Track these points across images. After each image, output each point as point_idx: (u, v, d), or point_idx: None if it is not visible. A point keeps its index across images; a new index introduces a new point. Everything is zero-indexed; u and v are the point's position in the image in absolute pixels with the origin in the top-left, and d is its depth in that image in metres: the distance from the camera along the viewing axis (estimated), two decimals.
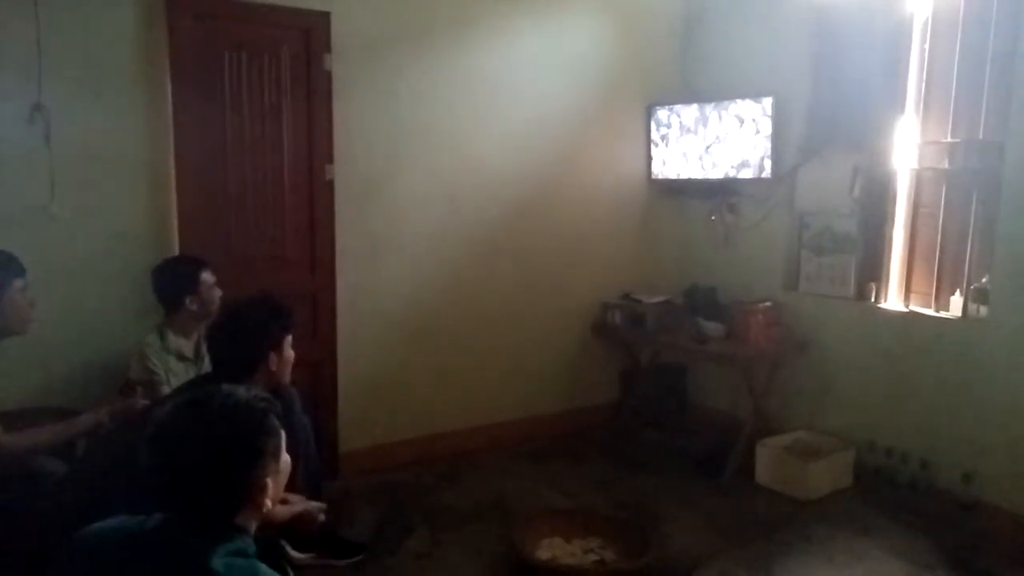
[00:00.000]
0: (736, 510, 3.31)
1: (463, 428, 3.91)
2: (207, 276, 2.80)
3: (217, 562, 1.13)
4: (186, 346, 2.77)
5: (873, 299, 3.63)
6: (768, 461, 3.52)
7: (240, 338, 2.06)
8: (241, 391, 1.30)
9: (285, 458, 1.33)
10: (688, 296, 4.19)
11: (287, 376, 2.21)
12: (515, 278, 4.02)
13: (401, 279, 3.68)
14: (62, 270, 2.77)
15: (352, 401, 3.56)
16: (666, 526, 3.14)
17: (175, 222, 3.04)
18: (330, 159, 3.35)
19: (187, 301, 2.75)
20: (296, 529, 2.16)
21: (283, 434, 1.31)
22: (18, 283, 2.14)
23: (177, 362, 2.71)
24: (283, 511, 2.03)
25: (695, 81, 4.32)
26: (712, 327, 3.84)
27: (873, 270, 3.67)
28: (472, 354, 3.94)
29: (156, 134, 3.00)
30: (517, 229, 3.98)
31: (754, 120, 3.86)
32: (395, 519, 3.16)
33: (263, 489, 1.23)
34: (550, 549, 2.83)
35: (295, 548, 2.69)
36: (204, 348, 2.69)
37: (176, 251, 3.01)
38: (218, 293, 2.82)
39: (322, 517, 2.16)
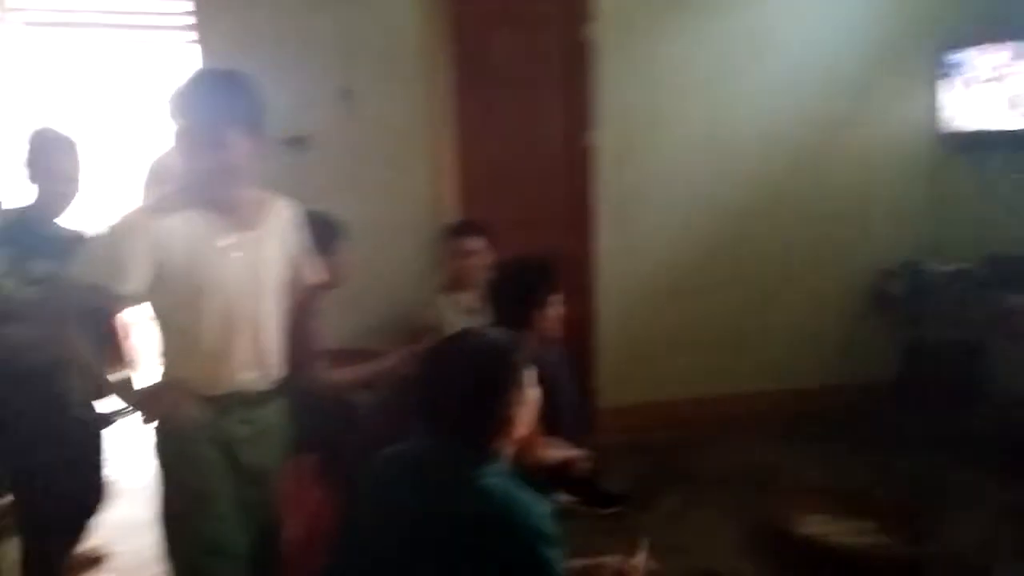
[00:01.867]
0: None
1: (721, 394, 3.84)
2: (471, 242, 3.05)
3: (485, 481, 1.28)
4: (469, 299, 3.05)
5: None
6: None
7: (512, 295, 2.25)
8: (491, 332, 1.47)
9: (533, 392, 1.45)
10: (990, 265, 3.66)
11: (553, 332, 2.36)
12: (780, 240, 3.83)
13: (659, 240, 3.70)
14: (365, 231, 3.19)
15: (610, 360, 3.67)
16: (954, 517, 2.83)
17: (456, 190, 3.35)
18: (591, 125, 3.44)
19: (454, 264, 3.05)
20: (562, 474, 2.32)
21: (527, 371, 1.43)
22: (343, 244, 2.52)
23: (462, 314, 3.00)
24: (552, 455, 2.20)
25: (1005, 16, 3.70)
26: (1021, 301, 3.33)
27: None
28: (733, 318, 3.84)
29: (439, 112, 3.33)
30: (782, 188, 3.78)
31: None
32: (650, 478, 3.23)
33: (511, 418, 1.37)
34: (817, 525, 2.70)
35: (560, 491, 2.87)
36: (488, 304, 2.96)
37: (456, 217, 3.32)
38: (482, 258, 3.05)
39: (586, 465, 2.30)
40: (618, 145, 3.54)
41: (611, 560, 1.63)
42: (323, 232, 2.51)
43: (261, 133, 1.72)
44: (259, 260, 1.78)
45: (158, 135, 3.13)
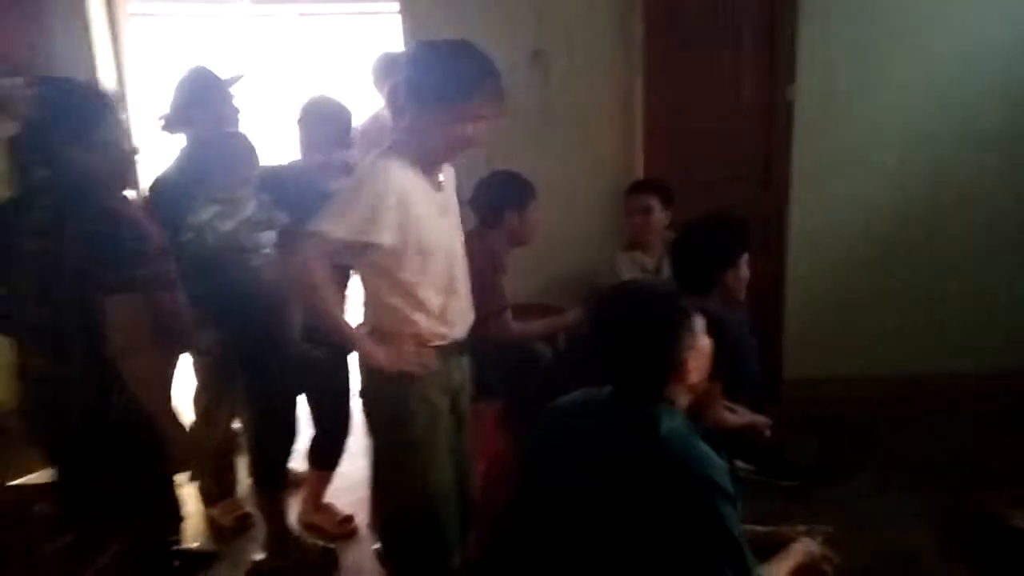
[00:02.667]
0: None
1: (924, 371, 3.52)
2: (647, 200, 3.01)
3: (662, 428, 1.29)
4: (648, 261, 3.04)
5: None
6: None
7: (700, 253, 2.19)
8: (650, 280, 1.45)
9: (704, 339, 1.42)
10: None
11: (742, 294, 2.29)
12: (988, 210, 3.43)
13: (862, 204, 3.43)
14: (551, 191, 3.26)
15: (799, 328, 3.50)
16: None
17: (641, 149, 3.32)
18: (791, 79, 3.24)
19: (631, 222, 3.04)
20: (741, 439, 2.28)
21: (696, 316, 1.40)
22: (533, 203, 2.61)
23: (639, 272, 3.00)
24: (732, 419, 2.16)
25: None
26: None
27: None
28: (943, 289, 3.51)
29: (628, 71, 3.30)
30: (997, 151, 3.37)
31: None
32: (839, 454, 3.06)
33: (684, 362, 1.36)
34: None
35: (740, 458, 2.82)
36: (664, 263, 2.93)
37: (641, 174, 3.29)
38: (658, 216, 3.00)
39: (768, 432, 2.24)
40: (819, 102, 3.29)
41: (796, 531, 1.55)
42: (514, 192, 2.61)
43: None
44: (454, 220, 1.92)
45: (363, 102, 3.38)
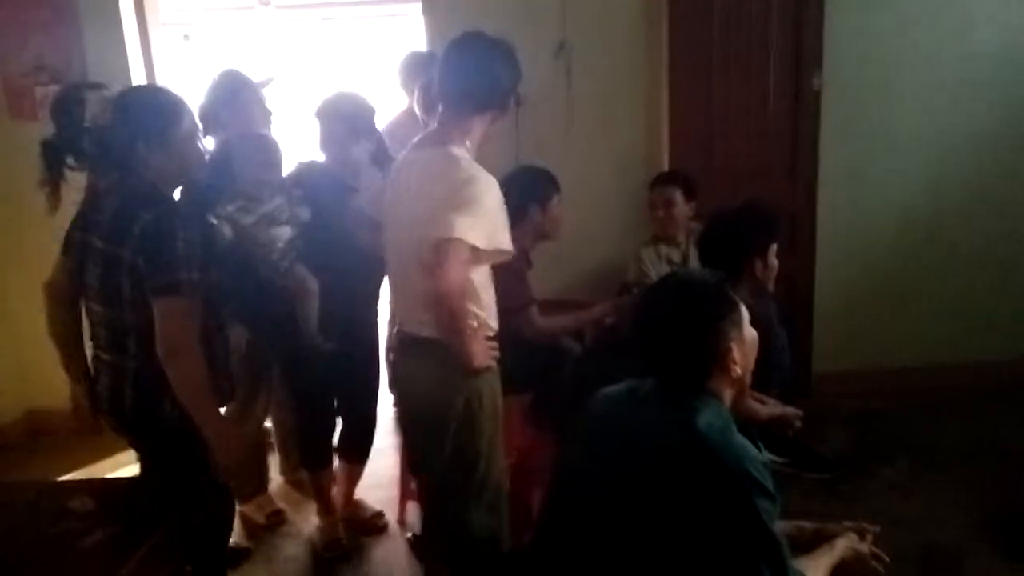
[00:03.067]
0: None
1: (953, 362, 3.48)
2: (670, 193, 2.96)
3: (701, 421, 1.27)
4: (675, 253, 3.02)
5: None
6: None
7: (729, 242, 2.17)
8: (696, 270, 1.43)
9: (750, 331, 1.40)
10: None
11: (771, 284, 2.27)
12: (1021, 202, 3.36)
13: (891, 196, 3.39)
14: (575, 186, 3.26)
15: (829, 321, 3.46)
16: None
17: (666, 143, 3.30)
18: (819, 67, 3.20)
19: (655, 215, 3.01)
20: (771, 431, 2.26)
21: (742, 307, 1.38)
22: (556, 197, 2.61)
23: (667, 268, 2.99)
24: (762, 410, 2.14)
25: None
26: None
27: None
28: (972, 282, 3.46)
29: (652, 64, 3.29)
30: None
31: None
32: (870, 446, 3.03)
33: (728, 353, 1.33)
34: None
35: (770, 450, 2.79)
36: (692, 255, 2.91)
37: (666, 167, 3.27)
38: (682, 209, 2.97)
39: (798, 424, 2.21)
40: (848, 92, 3.26)
41: (844, 527, 1.51)
42: (537, 186, 2.62)
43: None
44: None
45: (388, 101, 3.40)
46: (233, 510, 2.11)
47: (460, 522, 1.91)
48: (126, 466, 3.31)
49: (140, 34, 3.49)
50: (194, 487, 1.81)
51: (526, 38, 3.14)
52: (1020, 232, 3.42)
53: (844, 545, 1.45)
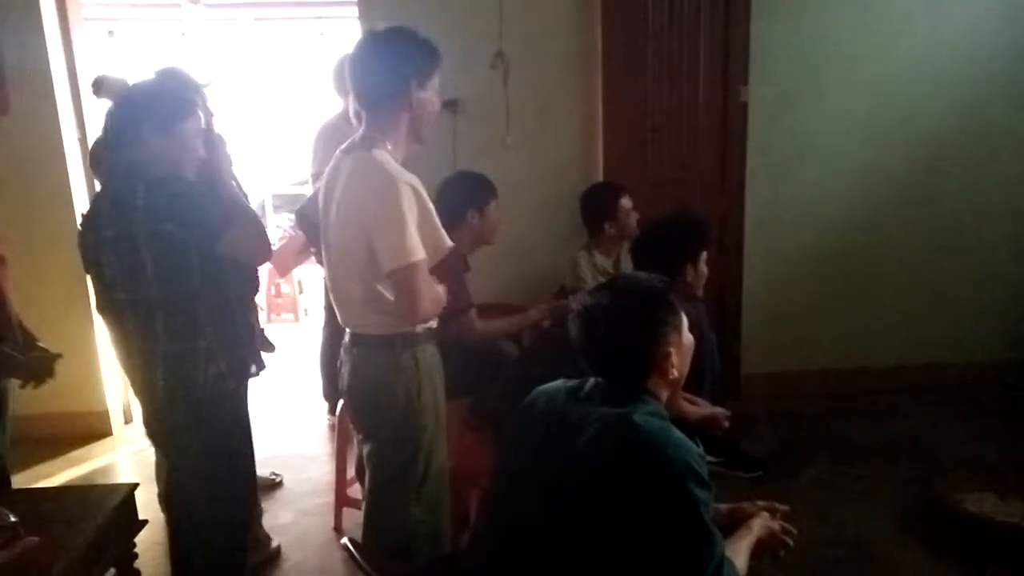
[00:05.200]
0: None
1: (876, 365, 3.67)
2: (625, 202, 3.04)
3: (638, 418, 1.31)
4: (607, 263, 3.09)
5: None
6: None
7: (662, 249, 2.24)
8: (642, 275, 1.47)
9: (688, 336, 1.45)
10: None
11: (700, 290, 2.35)
12: (937, 209, 3.57)
13: (815, 201, 3.55)
14: (512, 192, 3.29)
15: (756, 324, 3.59)
16: None
17: (600, 151, 3.38)
18: (745, 80, 3.33)
19: (607, 226, 3.03)
20: (702, 431, 2.33)
21: (682, 314, 1.43)
22: (494, 203, 2.63)
23: (600, 276, 3.05)
24: (693, 410, 2.21)
25: None
26: None
27: None
28: (892, 286, 3.64)
29: (587, 73, 3.36)
30: (945, 153, 3.51)
31: None
32: (796, 445, 3.15)
33: (667, 357, 1.38)
34: (980, 504, 2.54)
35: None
36: (622, 265, 2.99)
37: (600, 178, 3.34)
38: (635, 217, 3.05)
39: (726, 424, 2.29)
40: (772, 103, 3.40)
41: (756, 506, 1.59)
42: (475, 191, 2.64)
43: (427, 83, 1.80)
44: None
45: (323, 104, 3.38)
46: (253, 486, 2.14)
47: (399, 518, 1.91)
48: (46, 477, 3.18)
49: (61, 30, 3.36)
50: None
51: (464, 47, 3.19)
52: (939, 236, 3.60)
53: (759, 524, 1.51)
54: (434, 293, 1.80)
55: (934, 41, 3.42)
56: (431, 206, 1.80)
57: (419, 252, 1.71)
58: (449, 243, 1.84)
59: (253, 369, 2.02)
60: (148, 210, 1.72)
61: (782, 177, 3.50)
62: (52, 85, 3.28)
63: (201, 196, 1.81)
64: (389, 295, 1.77)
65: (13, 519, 1.60)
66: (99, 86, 1.89)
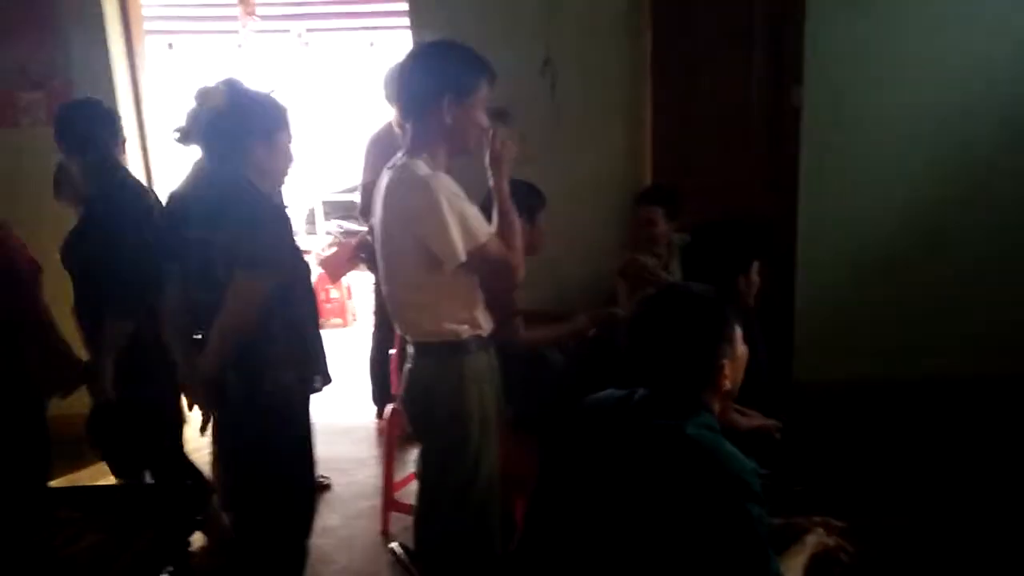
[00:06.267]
0: None
1: (933, 373, 3.52)
2: (650, 211, 2.99)
3: (690, 430, 1.29)
4: (656, 266, 3.05)
5: None
6: None
7: (714, 258, 2.21)
8: (698, 286, 1.45)
9: (742, 348, 1.42)
10: None
11: (751, 299, 2.31)
12: (1013, 207, 3.43)
13: (870, 206, 3.46)
14: (560, 199, 3.28)
15: (809, 333, 3.51)
16: None
17: (649, 157, 3.35)
18: (799, 80, 3.27)
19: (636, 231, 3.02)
20: (752, 443, 2.29)
21: (737, 326, 1.40)
22: (542, 212, 2.54)
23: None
24: (744, 422, 2.17)
25: None
26: None
27: None
28: (950, 297, 3.52)
29: (636, 79, 3.34)
30: (1004, 159, 3.39)
31: None
32: (850, 458, 3.07)
33: (721, 370, 1.36)
34: None
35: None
36: (673, 266, 2.96)
37: (648, 181, 3.32)
38: (663, 226, 2.99)
39: (777, 435, 2.24)
40: (827, 106, 3.33)
41: (811, 521, 1.55)
42: (525, 201, 2.63)
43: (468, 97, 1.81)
44: None
45: (373, 113, 3.44)
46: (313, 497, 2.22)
47: (446, 523, 1.93)
48: (104, 476, 3.28)
49: (125, 41, 3.49)
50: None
51: (512, 55, 3.20)
52: (997, 244, 3.49)
53: (813, 542, 1.48)
54: (516, 252, 1.83)
55: (993, 41, 3.31)
56: (463, 196, 1.79)
57: (484, 230, 1.77)
58: (490, 229, 1.82)
59: (319, 382, 2.07)
60: (230, 219, 1.81)
61: (836, 181, 3.42)
62: (115, 94, 3.41)
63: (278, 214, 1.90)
64: (447, 296, 1.82)
65: (78, 515, 1.67)
66: (204, 97, 1.98)
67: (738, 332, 1.41)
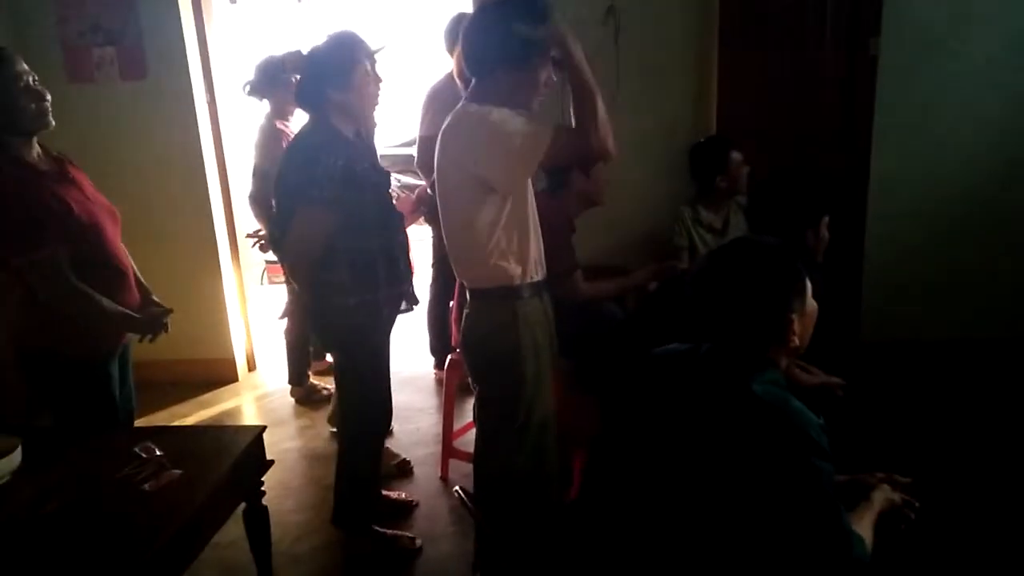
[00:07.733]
0: None
1: (1004, 335, 3.39)
2: (736, 156, 2.93)
3: (757, 387, 1.27)
4: (715, 220, 3.00)
5: None
6: None
7: (782, 211, 2.14)
8: (768, 238, 1.40)
9: (811, 303, 1.37)
10: None
11: (820, 255, 2.24)
12: None
13: (946, 161, 3.31)
14: (622, 150, 3.23)
15: (878, 293, 3.40)
16: None
17: (714, 108, 3.25)
18: (877, 31, 3.10)
19: (717, 179, 2.94)
20: (815, 399, 2.25)
21: (807, 280, 1.35)
22: (599, 164, 2.53)
23: (706, 233, 2.97)
24: (807, 378, 2.13)
25: None
26: None
27: None
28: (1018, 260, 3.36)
29: (702, 27, 3.24)
30: None
31: None
32: (915, 417, 2.99)
33: (790, 324, 1.31)
34: None
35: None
36: (731, 224, 2.90)
37: (713, 132, 3.23)
38: (747, 171, 2.94)
39: (840, 393, 2.20)
40: (905, 55, 3.16)
41: (876, 477, 1.53)
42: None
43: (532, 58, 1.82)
44: None
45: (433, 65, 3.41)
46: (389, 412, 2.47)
47: (503, 466, 1.98)
48: (181, 418, 3.46)
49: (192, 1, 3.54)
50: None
51: (575, 2, 3.13)
52: None
53: (881, 498, 1.46)
54: (596, 126, 1.80)
55: None
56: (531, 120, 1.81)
57: (547, 127, 1.77)
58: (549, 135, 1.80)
59: (404, 305, 2.31)
60: (289, 163, 2.10)
61: (912, 135, 3.27)
62: (185, 52, 3.48)
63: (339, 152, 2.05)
64: (499, 236, 1.84)
65: (159, 453, 1.76)
66: (284, 64, 2.23)
67: (809, 287, 1.37)
